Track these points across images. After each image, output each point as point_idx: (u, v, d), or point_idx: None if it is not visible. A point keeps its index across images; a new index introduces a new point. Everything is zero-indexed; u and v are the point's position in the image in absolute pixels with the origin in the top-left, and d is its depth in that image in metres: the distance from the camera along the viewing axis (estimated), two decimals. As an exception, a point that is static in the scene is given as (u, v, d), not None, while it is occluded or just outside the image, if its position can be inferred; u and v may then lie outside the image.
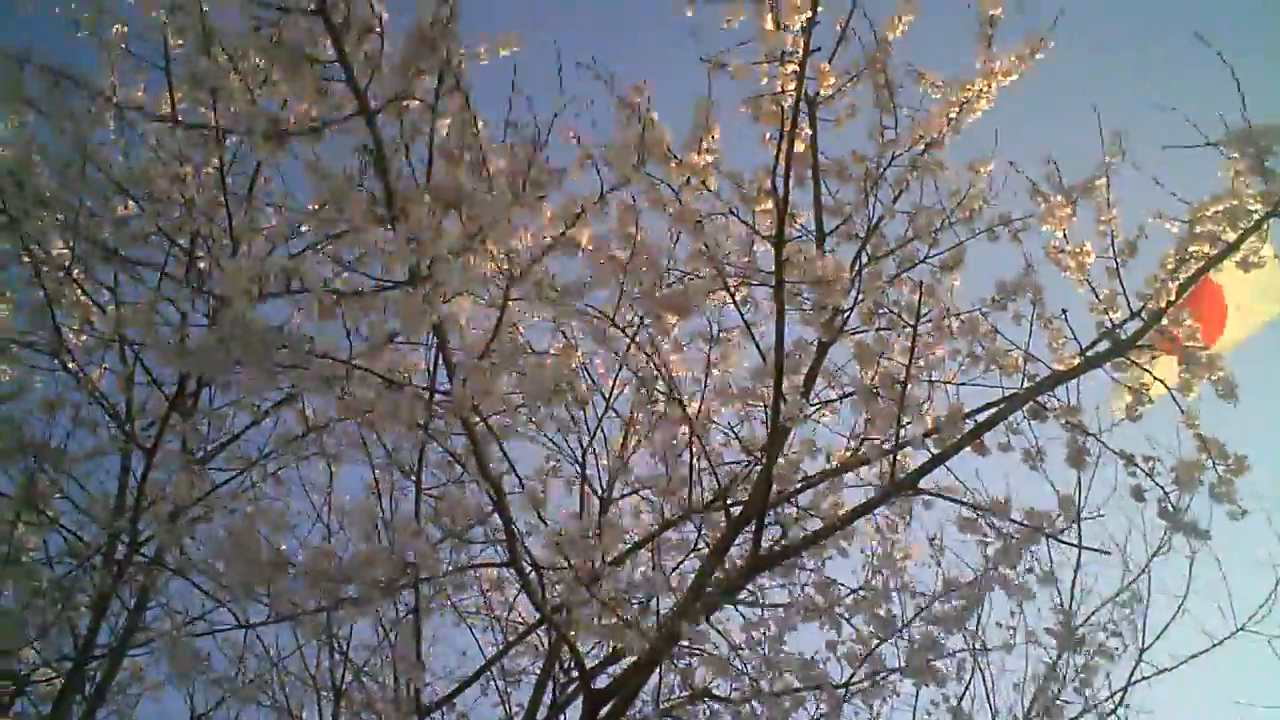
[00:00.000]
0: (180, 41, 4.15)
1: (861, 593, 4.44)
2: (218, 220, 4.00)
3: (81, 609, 4.22)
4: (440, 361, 3.23)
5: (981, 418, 3.75)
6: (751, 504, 3.99)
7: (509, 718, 5.22)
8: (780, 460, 3.93)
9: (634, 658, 4.14)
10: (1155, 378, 3.42)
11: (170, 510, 3.81)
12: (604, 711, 4.20)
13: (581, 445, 4.67)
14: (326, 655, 4.83)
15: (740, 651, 4.15)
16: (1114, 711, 5.96)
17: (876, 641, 4.38)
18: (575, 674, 5.06)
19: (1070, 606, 5.48)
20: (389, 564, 3.40)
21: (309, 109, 2.63)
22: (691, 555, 4.76)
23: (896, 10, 3.84)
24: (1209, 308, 3.49)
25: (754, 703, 4.28)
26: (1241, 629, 6.31)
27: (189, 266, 4.17)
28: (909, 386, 3.74)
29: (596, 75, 3.52)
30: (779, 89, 3.46)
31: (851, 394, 4.24)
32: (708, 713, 4.72)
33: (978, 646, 5.13)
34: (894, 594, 4.47)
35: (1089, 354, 3.57)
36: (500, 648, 5.07)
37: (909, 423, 3.87)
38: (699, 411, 4.25)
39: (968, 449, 3.72)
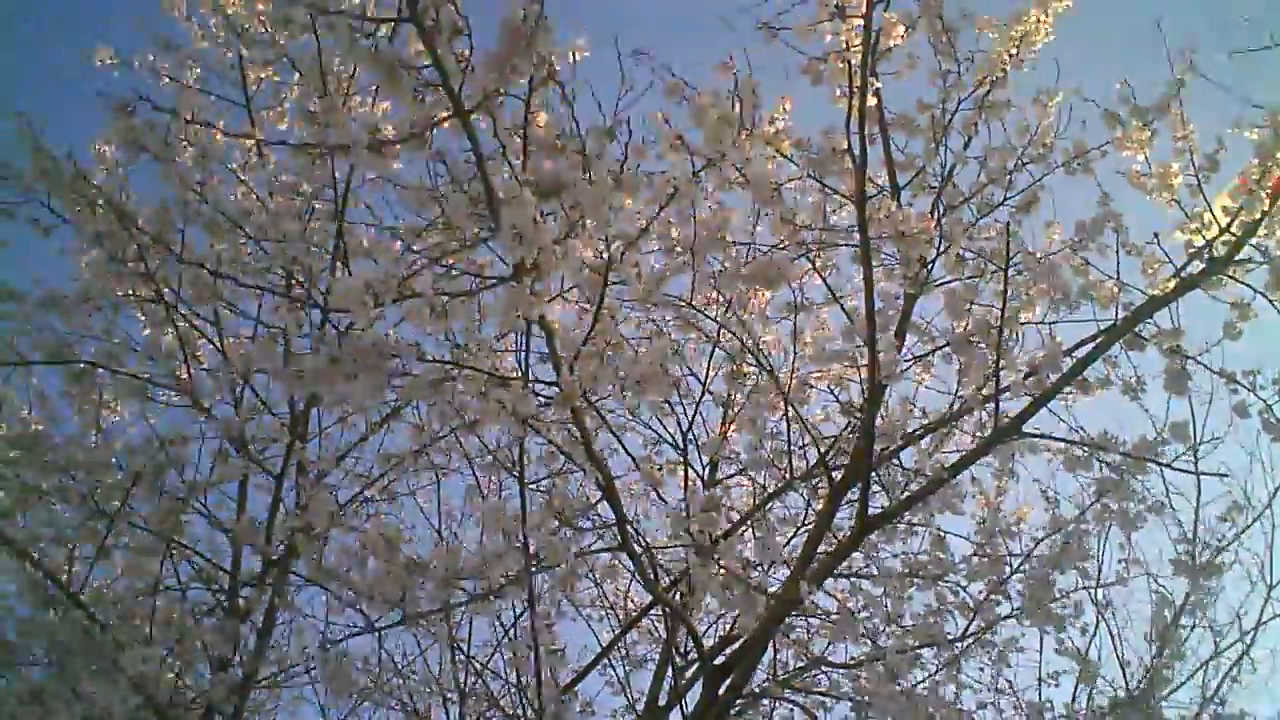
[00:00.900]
0: (263, 75, 4.38)
1: (974, 557, 4.44)
2: (312, 241, 4.17)
3: (217, 632, 4.37)
4: (526, 358, 3.34)
5: (1079, 354, 3.73)
6: (854, 465, 4.01)
7: (630, 704, 5.29)
8: (879, 420, 3.95)
9: (749, 634, 4.19)
10: (1257, 291, 3.38)
11: (304, 525, 3.96)
12: (724, 687, 4.26)
13: (680, 430, 4.72)
14: (449, 656, 4.94)
15: (856, 615, 4.18)
16: (1246, 654, 5.83)
17: (988, 593, 4.38)
18: (692, 658, 5.12)
19: (1194, 537, 5.36)
20: (512, 557, 3.50)
21: (405, 118, 2.72)
22: (798, 530, 4.79)
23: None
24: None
25: (875, 664, 4.30)
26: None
27: (288, 290, 4.35)
28: (1005, 331, 3.74)
29: (652, 67, 3.58)
30: (844, 45, 3.49)
31: (944, 346, 4.24)
32: (825, 682, 4.75)
33: (1093, 585, 5.07)
34: (1006, 554, 4.45)
35: (1184, 276, 3.54)
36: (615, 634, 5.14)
37: (1006, 368, 3.87)
38: (791, 381, 4.29)
39: (1069, 388, 3.71)
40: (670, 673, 4.90)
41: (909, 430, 4.19)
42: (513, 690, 4.73)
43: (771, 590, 4.10)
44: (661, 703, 5.06)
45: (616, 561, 5.22)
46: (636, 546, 3.93)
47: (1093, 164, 4.03)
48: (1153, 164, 3.57)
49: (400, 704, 4.99)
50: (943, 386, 4.47)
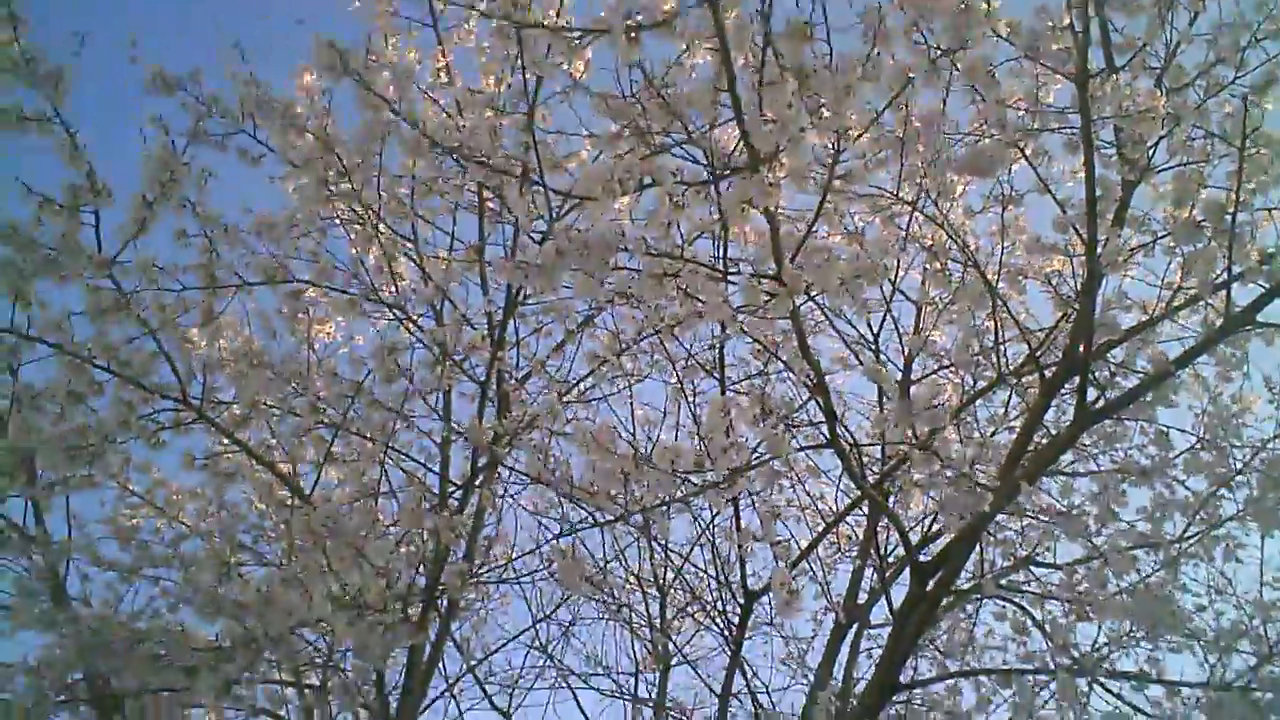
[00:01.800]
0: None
1: (1197, 450, 4.26)
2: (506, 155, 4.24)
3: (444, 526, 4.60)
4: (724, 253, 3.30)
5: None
6: (1069, 359, 3.89)
7: (830, 604, 5.36)
8: (1096, 312, 3.80)
9: (957, 531, 4.16)
10: None
11: (510, 428, 4.11)
12: (931, 585, 4.25)
13: (871, 330, 4.66)
14: (648, 555, 5.11)
15: (1071, 513, 4.08)
16: None
17: (1212, 491, 4.21)
18: (890, 561, 5.14)
19: None
20: (736, 451, 3.53)
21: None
22: (998, 430, 4.70)
23: None
24: None
25: (1087, 565, 4.21)
26: None
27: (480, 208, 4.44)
28: (1237, 214, 3.52)
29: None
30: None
31: (1165, 236, 4.02)
32: (1035, 585, 4.68)
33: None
34: (1231, 449, 4.25)
35: None
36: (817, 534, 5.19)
37: (1238, 255, 3.65)
38: (1000, 274, 4.16)
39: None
40: (874, 571, 4.93)
41: (1126, 325, 4.01)
42: (713, 585, 4.88)
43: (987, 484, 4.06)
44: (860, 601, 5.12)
45: (813, 463, 5.24)
46: (844, 445, 3.94)
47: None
48: None
49: (605, 599, 5.20)
50: (1152, 279, 4.26)
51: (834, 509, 5.35)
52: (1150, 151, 3.79)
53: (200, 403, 4.24)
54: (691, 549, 5.19)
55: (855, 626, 5.00)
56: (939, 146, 3.72)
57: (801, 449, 4.25)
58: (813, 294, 3.26)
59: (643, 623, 5.74)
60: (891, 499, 4.41)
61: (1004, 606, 4.64)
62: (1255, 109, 3.68)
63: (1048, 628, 4.09)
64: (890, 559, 5.09)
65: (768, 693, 5.88)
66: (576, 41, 2.85)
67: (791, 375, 4.55)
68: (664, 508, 4.31)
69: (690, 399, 4.65)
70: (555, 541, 4.45)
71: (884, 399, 4.31)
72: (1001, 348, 4.18)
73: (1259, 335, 4.05)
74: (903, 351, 4.77)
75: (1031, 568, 4.57)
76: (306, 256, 4.80)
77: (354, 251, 4.81)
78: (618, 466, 3.41)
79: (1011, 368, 4.28)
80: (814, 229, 3.15)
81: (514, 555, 5.07)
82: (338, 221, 4.76)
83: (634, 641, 5.99)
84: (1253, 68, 3.90)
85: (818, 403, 3.73)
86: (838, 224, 4.00)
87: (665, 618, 5.80)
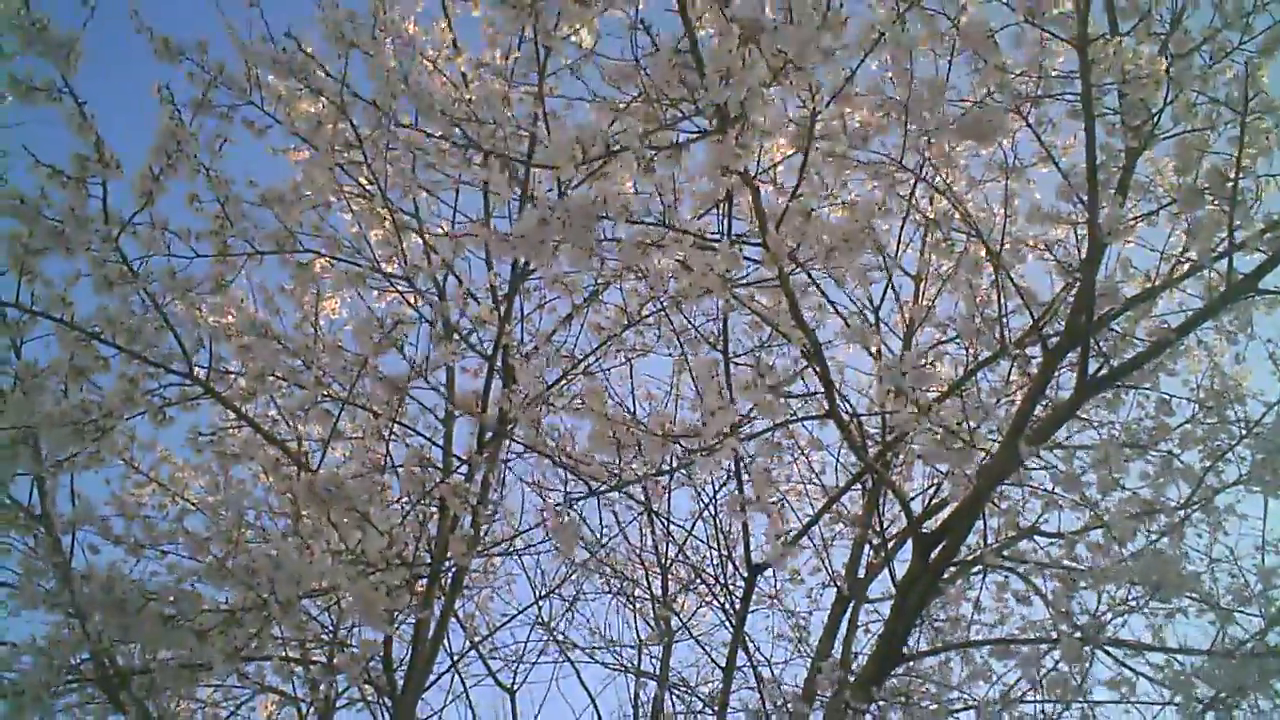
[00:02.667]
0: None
1: (1195, 422, 4.26)
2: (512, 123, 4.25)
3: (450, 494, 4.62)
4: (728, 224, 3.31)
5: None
6: (1072, 328, 3.89)
7: (831, 577, 5.38)
8: (1099, 281, 3.80)
9: (960, 501, 4.17)
10: None
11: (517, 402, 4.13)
12: (934, 555, 4.27)
13: (869, 300, 4.66)
14: (650, 530, 5.13)
15: (1075, 481, 4.08)
16: None
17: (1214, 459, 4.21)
18: (890, 533, 5.15)
19: None
20: (727, 414, 3.54)
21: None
22: (999, 400, 4.70)
23: None
24: None
25: (1091, 533, 4.22)
26: None
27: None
28: (1240, 180, 3.53)
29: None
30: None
31: (1168, 204, 4.02)
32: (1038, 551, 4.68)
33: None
34: (1232, 416, 4.26)
35: None
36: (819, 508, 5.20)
37: (1241, 222, 3.65)
38: (1002, 244, 4.16)
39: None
40: (878, 542, 4.94)
41: (1130, 293, 4.01)
42: (715, 560, 4.91)
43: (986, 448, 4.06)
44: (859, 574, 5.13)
45: (815, 436, 5.25)
46: (844, 416, 3.95)
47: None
48: None
49: (606, 573, 5.22)
50: (1155, 247, 4.26)
51: (836, 485, 5.37)
52: (1156, 118, 3.79)
53: (208, 373, 4.24)
54: (694, 524, 5.22)
55: (854, 601, 5.02)
56: (938, 110, 3.71)
57: (799, 419, 4.25)
58: (803, 262, 3.26)
59: (645, 598, 5.78)
60: (893, 472, 4.42)
61: (1006, 577, 4.65)
62: (1259, 73, 3.67)
63: (1049, 596, 4.10)
64: (890, 532, 5.11)
65: (769, 666, 5.93)
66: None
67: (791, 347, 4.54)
68: (662, 477, 4.32)
69: (692, 373, 4.65)
70: (552, 506, 4.45)
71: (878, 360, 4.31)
72: (1005, 319, 4.19)
73: (1261, 303, 4.05)
74: (904, 321, 4.78)
75: (1035, 538, 4.57)
76: (310, 231, 4.82)
77: (353, 230, 4.82)
78: (606, 429, 3.41)
79: (1014, 338, 4.28)
80: (798, 192, 3.15)
81: (519, 529, 5.09)
82: (343, 197, 4.76)
83: (637, 617, 6.04)
84: (1258, 32, 3.90)
85: (814, 370, 3.73)
86: (836, 193, 3.99)
87: (668, 593, 5.83)
